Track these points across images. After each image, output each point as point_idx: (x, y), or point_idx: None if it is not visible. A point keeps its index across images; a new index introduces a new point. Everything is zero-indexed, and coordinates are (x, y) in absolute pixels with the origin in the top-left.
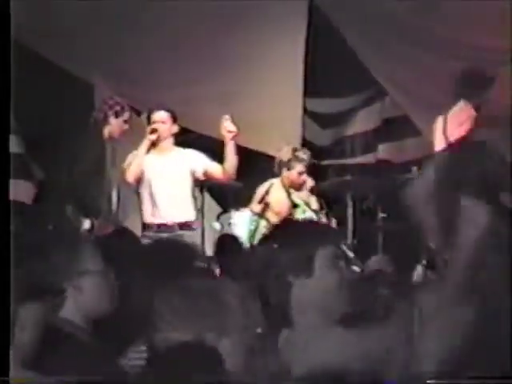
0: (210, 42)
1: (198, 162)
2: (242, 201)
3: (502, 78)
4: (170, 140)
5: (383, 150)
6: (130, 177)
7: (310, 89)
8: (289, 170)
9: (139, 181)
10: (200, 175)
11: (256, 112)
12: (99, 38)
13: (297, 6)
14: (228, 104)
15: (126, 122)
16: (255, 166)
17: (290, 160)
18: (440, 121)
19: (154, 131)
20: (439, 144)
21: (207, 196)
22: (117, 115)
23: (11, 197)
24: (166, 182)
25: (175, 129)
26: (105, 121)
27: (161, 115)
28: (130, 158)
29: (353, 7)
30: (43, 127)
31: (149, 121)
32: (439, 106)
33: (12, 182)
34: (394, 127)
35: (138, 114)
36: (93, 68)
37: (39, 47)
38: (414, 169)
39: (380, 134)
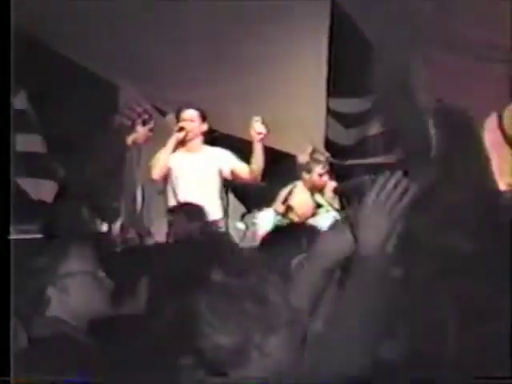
0: (233, 41)
1: (226, 161)
2: (266, 201)
3: None
4: (199, 139)
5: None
6: (156, 174)
7: (334, 89)
8: (308, 172)
9: (166, 179)
10: (227, 174)
11: (279, 112)
12: (123, 39)
13: (320, 5)
14: (251, 104)
15: (151, 130)
16: (278, 166)
17: (308, 163)
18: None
19: (181, 129)
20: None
21: (231, 196)
22: (144, 123)
23: (36, 196)
24: (193, 181)
25: (204, 127)
26: (131, 128)
27: (190, 114)
28: (156, 156)
29: (376, 7)
30: (66, 127)
31: (178, 119)
32: (462, 106)
33: (34, 181)
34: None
35: (163, 114)
36: (117, 69)
37: (64, 49)
38: None
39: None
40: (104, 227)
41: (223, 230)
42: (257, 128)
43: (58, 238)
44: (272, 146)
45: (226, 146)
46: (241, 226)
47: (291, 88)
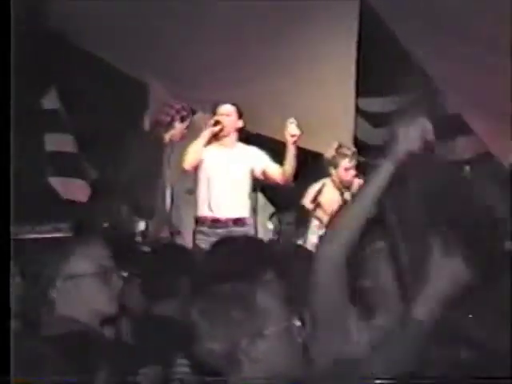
0: (263, 41)
1: (259, 161)
2: (295, 200)
3: None
4: (234, 135)
5: (436, 149)
6: (188, 165)
7: (362, 88)
8: (335, 168)
9: (197, 171)
10: (258, 174)
11: (308, 111)
12: (152, 37)
13: (349, 4)
14: (281, 104)
15: (187, 127)
16: (307, 166)
17: (334, 157)
18: None
19: (217, 123)
20: None
21: (260, 195)
22: (182, 120)
23: (67, 196)
24: (225, 177)
25: (240, 124)
26: (169, 125)
27: (227, 108)
28: (189, 147)
29: (406, 5)
30: (96, 127)
31: (214, 114)
32: (493, 105)
33: (65, 180)
34: (446, 126)
35: (192, 113)
36: (147, 67)
37: (95, 47)
38: (467, 168)
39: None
40: (141, 226)
41: (250, 228)
42: (291, 130)
43: (68, 237)
44: (301, 145)
45: (258, 146)
46: (270, 225)
47: (320, 88)
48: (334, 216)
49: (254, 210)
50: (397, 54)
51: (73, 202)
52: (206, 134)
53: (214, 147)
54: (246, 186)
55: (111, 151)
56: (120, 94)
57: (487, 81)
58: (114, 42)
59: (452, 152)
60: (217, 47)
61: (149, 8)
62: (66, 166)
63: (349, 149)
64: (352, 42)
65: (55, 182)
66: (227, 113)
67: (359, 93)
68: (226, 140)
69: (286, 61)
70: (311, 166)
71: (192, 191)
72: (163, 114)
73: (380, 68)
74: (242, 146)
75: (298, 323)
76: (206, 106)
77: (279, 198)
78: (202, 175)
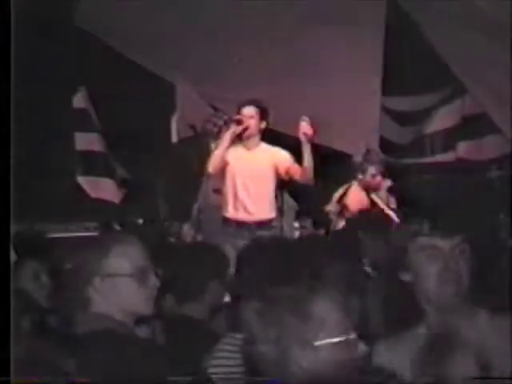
0: (288, 41)
1: (282, 160)
2: (321, 200)
3: None
4: (257, 136)
5: (463, 148)
6: (212, 168)
7: (389, 87)
8: (363, 173)
9: (223, 173)
10: (282, 173)
11: (335, 111)
12: (180, 38)
13: (375, 4)
14: (307, 103)
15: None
16: (334, 166)
17: (362, 163)
18: None
19: (239, 122)
20: None
21: (286, 195)
22: (227, 127)
23: (95, 195)
24: (250, 178)
25: (263, 125)
26: (218, 135)
27: (249, 110)
28: (214, 151)
29: (433, 3)
30: (125, 126)
31: (230, 119)
32: None
33: (94, 179)
34: (474, 125)
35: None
36: (175, 68)
37: (124, 47)
38: (494, 167)
39: (459, 131)
40: (186, 228)
41: (277, 228)
42: (303, 128)
43: (105, 236)
44: (328, 145)
45: (281, 145)
46: (296, 225)
47: (347, 86)
48: None
49: (281, 210)
50: (424, 53)
51: (101, 201)
52: (228, 135)
53: (239, 149)
54: (271, 185)
55: (139, 151)
56: (148, 93)
57: None
58: (144, 43)
59: (479, 152)
60: (244, 48)
61: (175, 9)
62: (95, 165)
63: (377, 155)
64: (379, 41)
65: (84, 181)
66: (250, 115)
67: (386, 92)
68: (249, 142)
69: (312, 60)
70: (338, 165)
71: (220, 191)
72: (211, 123)
73: (407, 67)
74: (265, 146)
75: (354, 336)
76: (233, 105)
77: (306, 198)
78: (228, 176)
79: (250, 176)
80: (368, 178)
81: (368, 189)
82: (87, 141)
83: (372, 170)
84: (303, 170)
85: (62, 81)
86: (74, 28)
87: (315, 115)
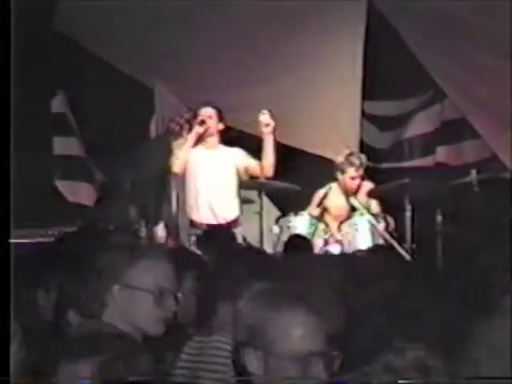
0: (268, 44)
1: (240, 159)
2: (301, 204)
3: None
4: (216, 137)
5: (442, 153)
6: (177, 167)
7: (369, 91)
8: (342, 174)
9: (184, 173)
10: (242, 172)
11: (314, 114)
12: (158, 41)
13: (355, 7)
14: (286, 106)
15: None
16: (313, 170)
17: (342, 163)
18: None
19: (202, 123)
20: None
21: (266, 199)
22: (189, 131)
23: (73, 199)
24: (211, 178)
25: (221, 126)
26: (179, 134)
27: (208, 111)
28: (177, 150)
29: (412, 8)
30: (103, 131)
31: (195, 117)
32: (499, 108)
33: (72, 183)
34: (453, 130)
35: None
36: (153, 71)
37: (101, 52)
38: (473, 172)
39: (438, 136)
40: (160, 230)
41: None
42: (264, 120)
43: (134, 246)
44: (307, 149)
45: (245, 146)
46: (276, 229)
47: (326, 90)
48: None
49: (260, 215)
50: (404, 58)
51: (79, 205)
52: (192, 135)
53: (199, 149)
54: (233, 185)
55: (117, 155)
56: (126, 97)
57: (494, 84)
58: (122, 47)
59: (458, 156)
60: (222, 50)
61: (155, 12)
62: (73, 169)
63: (358, 158)
64: (358, 45)
65: (62, 185)
66: (209, 115)
67: (366, 96)
68: (209, 141)
69: (292, 64)
70: (317, 169)
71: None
72: (174, 123)
73: (387, 72)
74: (223, 147)
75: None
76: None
77: (285, 202)
78: (190, 177)
79: (211, 176)
80: (347, 179)
81: (347, 192)
82: (65, 145)
83: (352, 171)
84: (262, 167)
85: (40, 85)
86: (52, 32)
87: (294, 119)
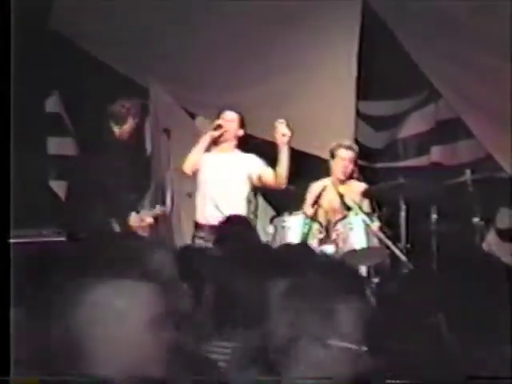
0: (263, 44)
1: (255, 167)
2: (296, 204)
3: None
4: (233, 142)
5: (436, 153)
6: (187, 167)
7: (364, 91)
8: (333, 157)
9: (196, 176)
10: (255, 180)
11: (309, 114)
12: (154, 41)
13: (350, 7)
14: (281, 106)
15: (136, 124)
16: (308, 169)
17: (333, 148)
18: None
19: (218, 127)
20: None
21: (261, 199)
22: (134, 117)
23: (65, 199)
24: (222, 183)
25: (241, 132)
26: (123, 121)
27: (231, 115)
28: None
29: (408, 8)
30: (99, 130)
31: (217, 119)
32: (494, 108)
33: (66, 183)
34: (448, 129)
35: (192, 116)
36: (148, 71)
37: (96, 51)
38: (467, 171)
39: (433, 136)
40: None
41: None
42: (281, 130)
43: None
44: (301, 148)
45: (256, 150)
46: (271, 229)
47: (321, 90)
48: None
49: (255, 214)
50: (398, 58)
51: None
52: (206, 138)
53: (213, 153)
54: (243, 192)
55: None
56: (122, 97)
57: (488, 84)
58: (118, 47)
59: (453, 156)
60: (218, 50)
61: (151, 12)
62: (67, 169)
63: (348, 143)
64: (353, 45)
65: (56, 185)
66: (231, 119)
67: (361, 96)
68: (225, 145)
69: (287, 64)
70: (312, 169)
71: (192, 194)
72: (119, 106)
73: (382, 72)
74: (239, 153)
75: (365, 349)
76: (206, 109)
77: (280, 201)
78: (201, 180)
79: (222, 181)
80: (338, 161)
81: (340, 190)
82: (60, 145)
83: (342, 152)
84: (276, 176)
85: (34, 85)
86: (46, 31)
87: (289, 118)
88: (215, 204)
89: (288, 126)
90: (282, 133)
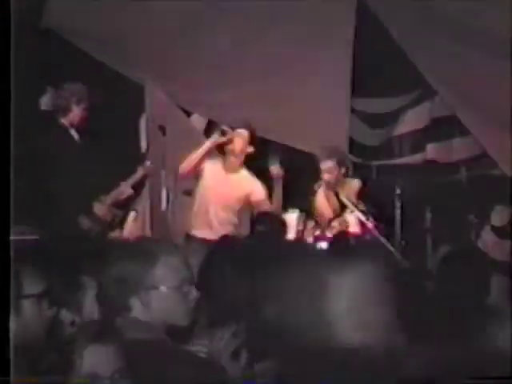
0: (259, 42)
1: (257, 193)
2: (291, 201)
3: None
4: (240, 159)
5: (431, 150)
6: (183, 170)
7: (359, 88)
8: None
9: (196, 186)
10: (253, 203)
11: (304, 112)
12: (149, 39)
13: (345, 5)
14: (276, 104)
15: (85, 109)
16: (303, 167)
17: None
18: None
19: (223, 133)
20: None
21: None
22: (78, 103)
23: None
24: (223, 205)
25: (250, 150)
26: (66, 108)
27: (241, 132)
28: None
29: (402, 6)
30: (94, 128)
31: (223, 134)
32: (490, 106)
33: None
34: (443, 127)
35: (188, 114)
36: (143, 69)
37: (90, 48)
38: (463, 169)
39: (428, 133)
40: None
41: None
42: (273, 170)
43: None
44: (297, 146)
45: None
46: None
47: (316, 88)
48: None
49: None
50: (393, 55)
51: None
52: (208, 143)
53: (219, 167)
54: (239, 211)
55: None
56: (116, 95)
57: (483, 81)
58: (112, 44)
59: (448, 153)
60: (213, 48)
61: (146, 10)
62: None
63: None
64: (348, 42)
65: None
66: (241, 134)
67: (356, 93)
68: (231, 163)
69: (282, 62)
70: (307, 166)
71: (190, 192)
72: (59, 99)
73: (376, 69)
74: (245, 173)
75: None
76: (203, 108)
77: None
78: (201, 196)
79: (223, 203)
80: (325, 175)
81: (328, 186)
82: None
83: (327, 165)
84: (272, 202)
85: (29, 82)
86: (41, 28)
87: (285, 116)
88: (210, 224)
89: (281, 163)
90: (275, 173)
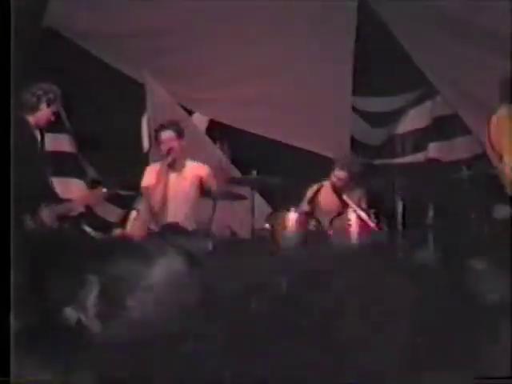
0: (260, 40)
1: (203, 175)
2: (293, 201)
3: None
4: (182, 156)
5: (433, 149)
6: (144, 183)
7: (361, 87)
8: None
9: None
10: (204, 184)
11: (306, 111)
12: (150, 38)
13: (346, 4)
14: (278, 102)
15: (54, 113)
16: (305, 166)
17: (333, 162)
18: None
19: (169, 151)
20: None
21: (257, 196)
22: (49, 104)
23: (65, 195)
24: (176, 199)
25: (184, 143)
26: (35, 107)
27: (167, 134)
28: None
29: (403, 5)
30: (96, 127)
31: (157, 140)
32: (490, 105)
33: (63, 180)
34: (445, 126)
35: (190, 113)
36: (144, 67)
37: (91, 47)
38: (464, 168)
39: (430, 132)
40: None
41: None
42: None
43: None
44: (299, 145)
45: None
46: (267, 226)
47: (318, 86)
48: None
49: (252, 211)
50: (395, 54)
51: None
52: (163, 166)
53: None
54: (192, 200)
55: (111, 152)
56: (118, 94)
57: (485, 81)
58: (113, 43)
59: (450, 152)
60: (214, 47)
61: (145, 7)
62: (65, 166)
63: (351, 162)
64: (350, 41)
65: (53, 181)
66: (170, 138)
67: (358, 92)
68: (177, 164)
69: (283, 60)
70: (309, 165)
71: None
72: (29, 95)
73: (378, 68)
74: (190, 164)
75: None
76: (203, 105)
77: (276, 198)
78: (156, 195)
79: (177, 198)
80: (334, 179)
81: (339, 190)
82: (57, 142)
83: (340, 173)
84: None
85: (30, 81)
86: (43, 27)
87: (286, 116)
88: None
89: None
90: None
